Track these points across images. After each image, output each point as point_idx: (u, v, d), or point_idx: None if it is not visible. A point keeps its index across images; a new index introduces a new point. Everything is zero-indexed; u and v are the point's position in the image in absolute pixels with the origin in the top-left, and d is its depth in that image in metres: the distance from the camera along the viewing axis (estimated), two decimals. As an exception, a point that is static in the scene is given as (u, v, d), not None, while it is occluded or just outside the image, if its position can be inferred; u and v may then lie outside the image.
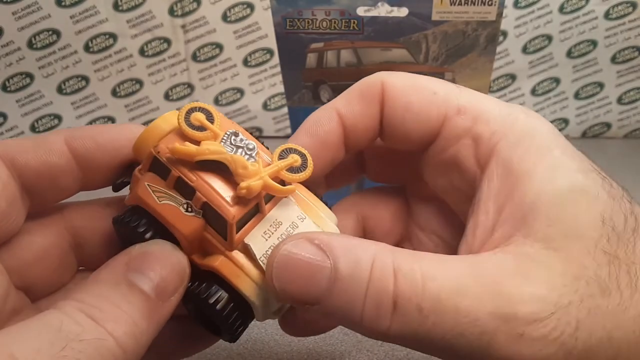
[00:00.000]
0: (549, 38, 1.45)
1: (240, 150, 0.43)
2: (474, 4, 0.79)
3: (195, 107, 0.44)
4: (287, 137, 1.53)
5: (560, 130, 1.52)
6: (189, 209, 0.41)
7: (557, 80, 1.50)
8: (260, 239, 0.42)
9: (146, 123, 1.49)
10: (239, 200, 0.41)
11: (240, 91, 1.52)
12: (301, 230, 0.43)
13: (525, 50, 1.47)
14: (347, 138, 0.49)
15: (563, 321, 0.34)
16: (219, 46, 1.46)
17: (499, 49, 1.46)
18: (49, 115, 1.52)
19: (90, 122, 1.53)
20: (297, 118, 0.99)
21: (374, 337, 0.37)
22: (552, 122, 1.44)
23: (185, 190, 0.42)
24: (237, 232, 0.41)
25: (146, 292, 0.37)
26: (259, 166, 0.41)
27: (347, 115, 0.48)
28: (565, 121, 1.55)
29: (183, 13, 1.42)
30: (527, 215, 0.37)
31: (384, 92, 0.47)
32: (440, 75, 0.87)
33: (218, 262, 0.42)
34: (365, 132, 0.49)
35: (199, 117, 0.44)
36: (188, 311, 0.45)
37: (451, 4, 0.80)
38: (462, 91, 0.47)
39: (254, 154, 0.43)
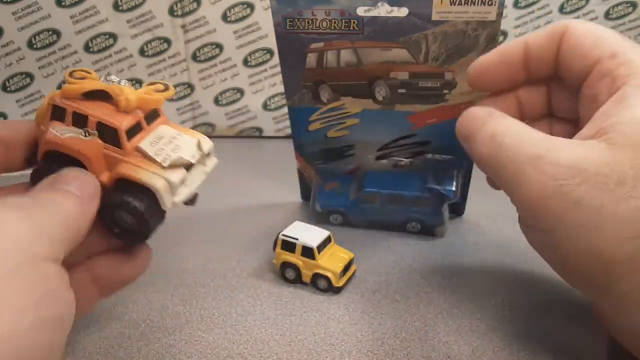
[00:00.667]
0: (549, 38, 1.45)
1: (114, 84, 0.57)
2: (474, 4, 0.78)
3: (77, 69, 0.58)
4: (287, 137, 1.53)
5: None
6: (87, 134, 0.54)
7: (556, 80, 1.50)
8: (148, 146, 0.55)
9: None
10: (124, 115, 0.55)
11: (240, 91, 1.51)
12: (181, 141, 0.58)
13: (525, 50, 1.46)
14: (528, 62, 0.66)
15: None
16: (219, 46, 1.46)
17: (498, 49, 1.45)
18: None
19: (91, 122, 1.53)
20: (296, 118, 0.99)
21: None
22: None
23: (81, 120, 0.54)
24: (128, 140, 0.54)
25: (74, 192, 0.50)
26: (131, 88, 0.56)
27: (532, 45, 0.64)
28: (565, 121, 1.54)
29: (183, 13, 1.41)
30: (618, 128, 0.52)
31: (564, 33, 0.61)
32: (440, 75, 0.87)
33: (118, 167, 0.54)
34: (543, 62, 0.64)
35: (80, 72, 0.57)
36: (106, 227, 0.57)
37: (451, 4, 0.79)
38: (626, 42, 0.58)
39: (125, 84, 0.57)
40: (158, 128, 0.59)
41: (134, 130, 0.56)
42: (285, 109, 1.52)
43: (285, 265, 0.84)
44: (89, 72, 0.58)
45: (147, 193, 0.54)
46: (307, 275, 0.82)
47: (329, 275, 0.80)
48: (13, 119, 1.50)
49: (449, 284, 0.84)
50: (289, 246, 0.83)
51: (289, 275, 0.84)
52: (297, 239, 0.83)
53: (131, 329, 0.73)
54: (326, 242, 0.84)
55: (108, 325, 0.74)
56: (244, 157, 1.41)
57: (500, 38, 1.44)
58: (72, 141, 0.54)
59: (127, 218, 0.56)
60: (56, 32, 1.41)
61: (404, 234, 0.99)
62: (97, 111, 0.54)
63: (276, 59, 1.46)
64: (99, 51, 1.44)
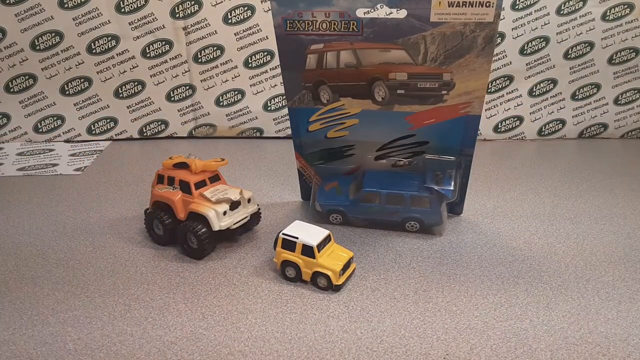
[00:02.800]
0: (546, 40, 1.45)
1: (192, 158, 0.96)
2: (472, 5, 0.79)
3: (172, 156, 0.98)
4: (288, 137, 1.53)
5: (556, 131, 1.51)
6: (174, 188, 0.93)
7: (554, 82, 1.50)
8: (208, 193, 0.91)
9: (148, 124, 1.49)
10: (194, 175, 0.92)
11: (241, 92, 1.52)
12: (229, 191, 0.93)
13: (522, 52, 1.47)
14: None
15: None
16: (220, 48, 1.46)
17: (496, 50, 1.46)
18: (52, 116, 1.52)
19: (93, 123, 1.54)
20: (297, 118, 0.99)
21: None
22: (548, 123, 1.44)
23: (171, 180, 0.94)
24: (195, 189, 0.91)
25: None
26: (200, 160, 0.94)
27: None
28: (562, 122, 1.55)
29: (184, 15, 1.42)
30: None
31: None
32: (438, 76, 0.87)
33: (189, 206, 0.91)
34: None
35: (174, 157, 0.98)
36: (181, 245, 0.92)
37: (449, 5, 0.80)
38: None
39: (196, 158, 0.96)
40: (218, 186, 0.95)
41: (200, 184, 0.92)
42: (286, 110, 1.53)
43: (286, 263, 0.84)
44: (179, 157, 0.97)
45: (205, 222, 0.88)
46: (307, 273, 0.83)
47: (329, 273, 0.81)
48: (16, 119, 1.51)
49: (448, 281, 0.84)
50: (289, 245, 0.84)
51: (289, 273, 0.84)
52: (297, 238, 0.83)
53: (133, 326, 0.73)
54: (326, 240, 0.85)
55: (110, 323, 0.74)
56: (245, 157, 1.41)
57: (498, 40, 1.44)
58: (166, 193, 0.92)
59: (193, 239, 0.89)
60: (59, 34, 1.42)
61: (402, 233, 0.99)
62: (179, 174, 0.93)
63: (277, 61, 1.46)
64: (102, 53, 1.45)
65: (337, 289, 0.81)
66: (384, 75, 0.88)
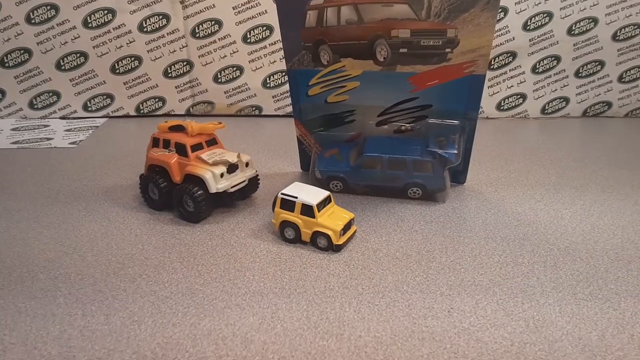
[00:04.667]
0: (550, 15, 1.43)
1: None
2: (477, -45, 0.77)
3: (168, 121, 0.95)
4: (287, 116, 1.51)
5: (560, 109, 1.50)
6: (169, 151, 0.90)
7: (557, 58, 1.48)
8: (205, 156, 0.88)
9: (145, 101, 1.46)
10: (191, 138, 0.90)
11: (240, 69, 1.50)
12: (227, 154, 0.89)
13: (525, 27, 1.44)
14: None
15: None
16: (218, 22, 1.44)
17: (499, 25, 1.44)
18: (47, 92, 1.49)
19: (89, 100, 1.51)
20: (296, 81, 0.97)
21: None
22: (552, 101, 1.43)
23: (167, 143, 0.91)
24: (192, 152, 0.88)
25: None
26: (197, 123, 0.91)
27: None
28: (566, 100, 1.52)
29: (182, -12, 1.40)
30: None
31: None
32: (442, 32, 0.85)
33: (186, 168, 0.88)
34: None
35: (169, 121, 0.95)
36: (177, 209, 0.89)
37: (454, -44, 0.78)
38: None
39: (192, 121, 0.92)
40: (215, 149, 0.92)
41: (197, 147, 0.90)
42: (285, 87, 1.51)
43: (285, 224, 0.82)
44: (175, 120, 0.94)
45: (202, 185, 0.85)
46: (306, 234, 0.80)
47: (329, 233, 0.78)
48: (11, 95, 1.49)
49: (451, 243, 0.82)
50: (288, 205, 0.81)
51: (288, 234, 0.82)
52: (296, 198, 0.81)
53: (127, 282, 0.71)
54: (326, 201, 0.82)
55: (103, 280, 0.71)
56: (244, 134, 1.39)
57: (501, 14, 1.42)
58: (162, 156, 0.90)
59: (189, 202, 0.86)
60: (54, 7, 1.40)
61: (405, 200, 0.97)
62: (175, 137, 0.90)
63: (276, 36, 1.44)
64: (98, 27, 1.43)
65: (337, 249, 0.79)
66: (386, 33, 0.86)
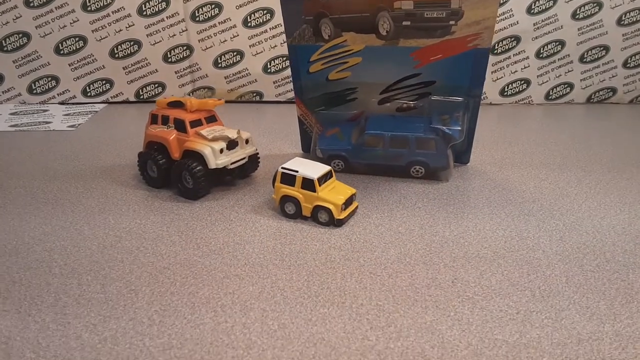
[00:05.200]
0: (554, -1, 1.42)
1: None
2: None
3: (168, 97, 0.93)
4: (288, 102, 1.50)
5: (564, 95, 1.49)
6: (168, 127, 0.89)
7: (562, 43, 1.47)
8: (205, 132, 0.86)
9: (145, 86, 1.45)
10: (190, 114, 0.88)
11: (240, 53, 1.48)
12: (227, 130, 0.87)
13: (529, 11, 1.43)
14: None
15: None
16: (218, 6, 1.43)
17: (502, 9, 1.42)
18: (46, 76, 1.48)
19: (88, 85, 1.50)
20: (297, 57, 0.96)
21: None
22: (556, 86, 1.42)
23: (166, 120, 0.90)
24: (191, 128, 0.87)
25: None
26: (196, 99, 0.90)
27: None
28: (570, 85, 1.51)
29: (182, -30, 1.39)
30: None
31: None
32: (446, 3, 0.83)
33: (185, 144, 0.86)
34: None
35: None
36: (176, 185, 0.87)
37: None
38: None
39: (192, 97, 1.00)
40: (214, 126, 0.90)
41: (196, 123, 0.88)
42: (286, 73, 1.49)
43: (285, 199, 0.80)
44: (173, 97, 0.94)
45: (201, 161, 0.84)
46: (307, 208, 0.79)
47: (330, 207, 0.77)
48: (9, 79, 1.47)
49: (455, 218, 0.80)
50: (288, 179, 0.80)
51: (288, 209, 0.81)
52: (297, 172, 0.79)
53: (124, 254, 0.70)
54: (327, 176, 0.81)
55: (99, 251, 0.70)
56: (244, 118, 1.38)
57: (505, -3, 1.41)
58: (160, 133, 0.89)
59: (188, 178, 0.85)
60: (53, -10, 1.38)
61: (407, 179, 0.96)
62: (174, 113, 0.89)
63: (277, 20, 1.43)
64: (96, 10, 1.41)
65: (338, 223, 0.77)
66: (389, 5, 0.84)
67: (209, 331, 0.54)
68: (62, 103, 1.50)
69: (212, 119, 0.91)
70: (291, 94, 1.47)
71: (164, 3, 1.41)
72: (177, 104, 0.90)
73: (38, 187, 0.92)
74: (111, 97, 1.51)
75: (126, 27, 1.43)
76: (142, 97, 1.52)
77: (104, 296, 0.61)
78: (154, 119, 0.91)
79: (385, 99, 0.96)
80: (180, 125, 0.88)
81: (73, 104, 1.50)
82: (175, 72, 1.50)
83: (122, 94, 1.51)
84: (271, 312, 0.58)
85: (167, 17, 1.43)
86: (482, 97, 1.32)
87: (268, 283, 0.63)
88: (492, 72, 1.49)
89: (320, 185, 0.78)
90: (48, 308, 0.58)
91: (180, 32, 1.45)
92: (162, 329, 0.55)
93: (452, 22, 0.84)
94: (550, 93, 1.51)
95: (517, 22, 1.43)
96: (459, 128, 0.90)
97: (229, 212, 0.83)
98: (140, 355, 0.51)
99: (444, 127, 0.91)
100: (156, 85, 1.51)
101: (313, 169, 0.80)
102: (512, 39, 1.46)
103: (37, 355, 0.51)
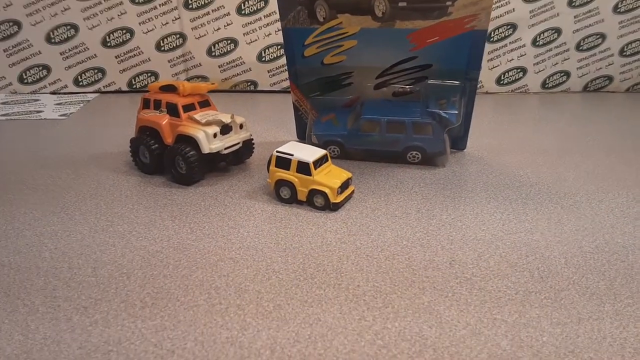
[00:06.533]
0: (551, -14, 1.41)
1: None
2: None
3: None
4: (283, 91, 1.48)
5: (561, 83, 1.48)
6: (161, 112, 0.88)
7: (558, 31, 1.46)
8: (198, 116, 0.85)
9: (137, 75, 1.43)
10: (183, 98, 0.87)
11: (234, 42, 1.47)
12: (220, 115, 0.86)
13: (526, -2, 1.42)
14: None
15: None
16: (212, -7, 1.41)
17: (499, -4, 1.41)
18: (37, 65, 1.46)
19: (80, 74, 1.48)
20: (292, 41, 0.94)
21: None
22: (553, 75, 1.42)
23: (158, 104, 0.88)
24: (184, 112, 0.86)
25: None
26: (189, 82, 0.88)
27: None
28: (567, 74, 1.50)
29: (175, -43, 1.37)
30: None
31: None
32: (442, -15, 0.82)
33: (177, 129, 0.85)
34: None
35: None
36: (169, 171, 0.86)
37: None
38: None
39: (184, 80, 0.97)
40: (208, 111, 0.89)
41: (189, 107, 0.87)
42: (281, 62, 1.48)
43: (280, 183, 0.79)
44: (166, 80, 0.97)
45: (194, 146, 0.83)
46: (302, 192, 0.78)
47: (326, 190, 0.76)
48: (0, 69, 1.45)
49: (452, 202, 0.79)
50: (283, 163, 0.79)
51: (284, 194, 0.79)
52: (292, 155, 0.78)
53: (116, 238, 0.68)
54: (323, 159, 0.80)
55: (91, 236, 0.69)
56: (238, 107, 1.37)
57: (501, -17, 1.40)
58: (153, 117, 0.87)
59: (182, 163, 0.84)
60: (43, -23, 1.36)
61: (404, 165, 0.95)
62: (167, 97, 0.87)
63: (271, 7, 1.41)
64: (88, -3, 1.39)
65: (334, 207, 0.76)
66: (385, -14, 0.83)
67: (203, 313, 0.53)
68: (53, 93, 1.48)
69: (205, 104, 0.90)
70: (286, 83, 1.46)
71: (157, -10, 1.39)
72: (169, 88, 0.89)
73: (28, 174, 0.90)
74: (103, 87, 1.49)
75: (118, 15, 1.41)
76: (134, 86, 1.50)
77: (95, 279, 0.59)
78: (146, 104, 0.90)
79: (382, 84, 0.95)
80: (173, 110, 0.86)
81: (65, 93, 1.48)
82: (169, 61, 1.48)
83: (115, 83, 1.49)
84: (266, 293, 0.57)
85: (159, 5, 1.41)
86: (478, 85, 1.31)
87: (263, 266, 0.62)
88: (488, 61, 1.48)
89: (315, 169, 0.77)
90: (37, 291, 0.57)
91: (173, 20, 1.43)
92: (155, 311, 0.54)
93: (448, 3, 0.83)
94: (547, 81, 1.51)
95: (513, 9, 1.42)
96: (456, 112, 0.89)
97: (223, 197, 0.81)
98: (132, 336, 0.50)
99: (441, 112, 0.90)
100: (149, 74, 1.49)
101: (308, 153, 0.79)
102: (509, 27, 1.45)
103: (25, 338, 0.50)
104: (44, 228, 0.71)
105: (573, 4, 1.42)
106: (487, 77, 1.49)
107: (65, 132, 1.14)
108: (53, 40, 1.43)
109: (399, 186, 0.86)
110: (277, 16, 0.86)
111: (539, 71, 1.49)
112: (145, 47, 1.45)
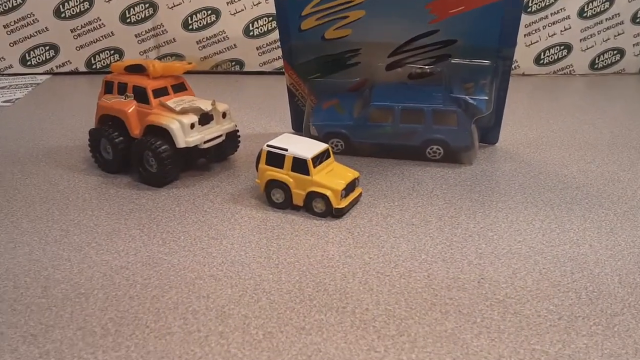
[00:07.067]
0: (601, -56, 1.41)
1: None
2: None
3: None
4: (275, 72, 1.49)
5: (613, 63, 1.52)
6: (126, 97, 0.88)
7: (610, 0, 1.46)
8: (172, 103, 0.85)
9: (97, 53, 1.44)
10: (153, 80, 0.87)
11: (215, 12, 1.47)
12: (199, 101, 0.86)
13: (571, -41, 1.43)
14: None
15: None
16: (189, -47, 1.42)
17: (538, -43, 1.42)
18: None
19: (28, 52, 1.48)
20: (286, 12, 0.95)
21: None
22: (603, 53, 1.46)
23: (123, 88, 0.88)
24: (154, 98, 0.85)
25: None
26: (160, 62, 0.87)
27: None
28: (620, 52, 1.51)
29: None
30: None
31: None
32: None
33: (147, 118, 0.85)
34: None
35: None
36: (137, 169, 0.86)
37: None
38: None
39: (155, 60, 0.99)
40: (183, 96, 0.89)
41: (160, 92, 0.86)
42: (273, 36, 1.48)
43: (272, 184, 0.79)
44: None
45: (167, 138, 0.82)
46: (299, 195, 0.78)
47: (328, 193, 0.76)
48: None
49: (481, 208, 0.80)
50: (275, 159, 0.79)
51: (276, 197, 0.80)
52: (286, 150, 0.78)
53: (71, 251, 0.69)
54: (324, 155, 0.80)
55: (41, 248, 0.69)
56: (221, 92, 1.37)
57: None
58: (116, 104, 0.86)
59: (152, 160, 0.83)
60: None
61: (422, 162, 0.95)
62: (133, 80, 0.87)
63: (261, -30, 1.42)
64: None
65: (338, 214, 0.77)
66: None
67: (178, 342, 0.54)
68: (-5, 74, 1.49)
69: (180, 87, 0.90)
70: (279, 63, 1.47)
71: (121, -51, 1.40)
72: (137, 69, 0.89)
73: (-35, 173, 0.91)
74: (56, 67, 1.50)
75: (74, -20, 1.42)
76: (94, 66, 1.51)
77: (46, 301, 0.60)
78: (108, 88, 0.90)
79: (395, 63, 0.96)
80: (141, 95, 0.86)
81: (9, 74, 1.49)
82: (136, 36, 1.49)
83: (70, 62, 1.50)
84: (254, 318, 0.57)
85: (125, -33, 1.42)
86: (512, 65, 1.32)
87: (251, 285, 0.62)
88: (524, 36, 1.49)
89: (315, 167, 0.78)
90: (-24, 316, 0.57)
91: (141, -14, 1.44)
92: (119, 340, 0.54)
93: (477, -34, 0.83)
94: (596, 61, 1.51)
95: (555, -27, 1.43)
96: (486, 98, 0.90)
97: (202, 201, 0.82)
98: (91, 371, 0.50)
99: (468, 97, 0.91)
100: (112, 52, 1.50)
101: (306, 147, 0.79)
102: (550, -6, 1.45)
103: (-39, 372, 0.50)
104: (-16, 239, 0.71)
105: (628, -34, 1.43)
106: (523, 55, 1.50)
107: (10, 122, 1.15)
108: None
109: (416, 188, 0.86)
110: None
111: (587, 48, 1.50)
112: (108, 19, 1.46)
